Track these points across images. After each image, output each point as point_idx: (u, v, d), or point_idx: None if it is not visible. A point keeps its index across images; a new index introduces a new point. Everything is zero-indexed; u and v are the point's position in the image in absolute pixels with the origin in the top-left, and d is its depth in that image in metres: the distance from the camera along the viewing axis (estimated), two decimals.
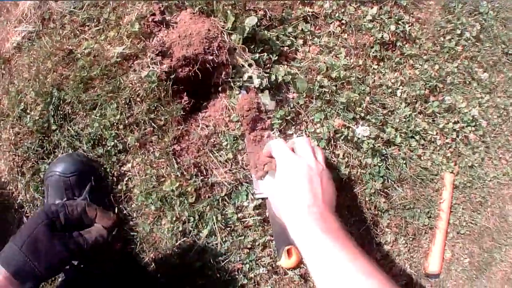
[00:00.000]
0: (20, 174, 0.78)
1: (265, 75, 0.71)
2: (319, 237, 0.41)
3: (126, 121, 0.74)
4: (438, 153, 0.91)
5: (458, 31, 0.92)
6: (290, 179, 0.51)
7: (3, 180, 0.80)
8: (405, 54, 0.85)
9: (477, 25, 0.95)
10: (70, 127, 0.76)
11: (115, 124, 0.74)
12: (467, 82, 0.94)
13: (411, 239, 0.91)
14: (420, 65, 0.86)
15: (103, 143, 0.75)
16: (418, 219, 0.90)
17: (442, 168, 0.92)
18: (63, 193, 0.69)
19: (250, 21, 0.70)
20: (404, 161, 0.85)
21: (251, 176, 0.74)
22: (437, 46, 0.90)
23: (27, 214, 0.79)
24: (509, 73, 1.01)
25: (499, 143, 1.00)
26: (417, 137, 0.86)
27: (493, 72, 0.98)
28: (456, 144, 0.93)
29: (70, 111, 0.76)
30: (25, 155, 0.77)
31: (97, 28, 0.78)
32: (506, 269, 1.05)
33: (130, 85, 0.74)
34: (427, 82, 0.86)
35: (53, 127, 0.76)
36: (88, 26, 0.78)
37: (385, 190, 0.84)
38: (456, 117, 0.92)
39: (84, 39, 0.78)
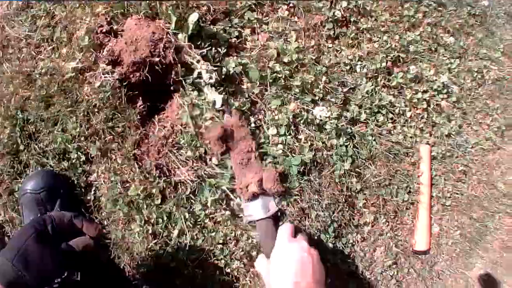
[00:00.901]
0: None
1: (214, 69, 0.70)
2: None
3: (87, 132, 0.75)
4: (410, 126, 0.88)
5: None
6: (283, 259, 0.58)
7: None
8: (361, 29, 0.82)
9: None
10: (36, 145, 0.78)
11: (76, 136, 0.75)
12: (433, 49, 0.90)
13: (392, 217, 0.88)
14: (378, 37, 0.84)
15: (68, 156, 0.76)
16: (397, 195, 0.87)
17: (417, 141, 0.89)
18: (37, 210, 0.71)
19: (193, 17, 0.69)
20: (373, 138, 0.83)
21: (240, 199, 0.74)
22: (395, 17, 0.87)
23: (8, 234, 0.81)
24: (478, 34, 0.96)
25: (477, 108, 0.96)
26: (384, 112, 0.83)
27: (461, 36, 0.94)
28: (428, 114, 0.89)
29: (34, 130, 0.78)
30: None
31: (51, 47, 0.79)
32: (502, 236, 1.01)
33: (86, 97, 0.75)
34: (388, 54, 0.83)
35: (21, 147, 0.78)
36: (43, 46, 0.80)
37: (356, 169, 0.82)
38: (424, 86, 0.88)
39: (40, 60, 0.79)
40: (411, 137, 0.88)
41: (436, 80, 0.89)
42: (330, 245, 0.82)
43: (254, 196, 0.72)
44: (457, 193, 0.95)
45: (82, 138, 0.75)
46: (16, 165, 0.79)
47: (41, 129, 0.78)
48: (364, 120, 0.81)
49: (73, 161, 0.76)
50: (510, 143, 0.99)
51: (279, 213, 0.75)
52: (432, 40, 0.90)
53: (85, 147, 0.75)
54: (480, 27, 0.98)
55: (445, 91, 0.90)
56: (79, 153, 0.75)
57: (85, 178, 0.76)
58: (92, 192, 0.75)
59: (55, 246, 0.57)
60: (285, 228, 0.63)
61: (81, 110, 0.76)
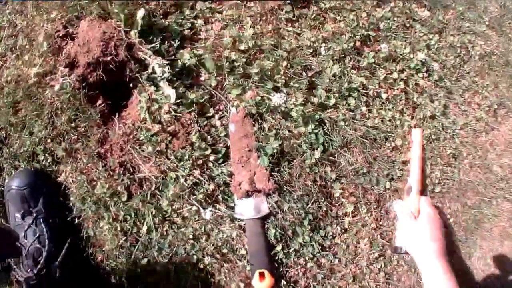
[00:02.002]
0: None
1: (166, 63, 0.72)
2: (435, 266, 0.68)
3: (51, 134, 0.78)
4: (388, 108, 0.85)
5: None
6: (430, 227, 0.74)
7: None
8: (323, 9, 0.81)
9: None
10: (8, 149, 0.82)
11: (43, 138, 0.79)
12: (407, 25, 0.87)
13: (375, 206, 0.86)
14: (344, 17, 0.82)
15: (37, 158, 0.80)
16: (378, 183, 0.84)
17: (397, 124, 0.86)
18: (20, 206, 0.76)
19: (140, 13, 0.71)
20: (346, 123, 0.81)
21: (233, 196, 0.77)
22: None
23: None
24: (459, 7, 0.92)
25: (464, 86, 0.91)
26: (355, 95, 0.81)
27: (439, 10, 0.90)
28: (407, 95, 0.86)
29: (5, 135, 0.83)
30: None
31: (15, 55, 0.84)
32: (502, 223, 0.95)
33: (49, 100, 0.79)
34: (356, 34, 0.81)
35: None
36: (7, 55, 0.85)
37: (330, 158, 0.80)
38: (400, 65, 0.85)
39: (6, 68, 0.84)
40: (389, 121, 0.85)
41: (413, 58, 0.85)
42: (307, 237, 0.81)
43: (248, 195, 0.75)
44: (447, 179, 0.91)
45: (49, 140, 0.79)
46: None
47: (11, 133, 0.82)
48: (334, 105, 0.79)
49: (42, 162, 0.79)
50: (504, 123, 0.94)
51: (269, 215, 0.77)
52: (406, 15, 0.86)
53: (51, 149, 0.79)
54: None
55: (424, 69, 0.86)
56: (46, 154, 0.79)
57: (55, 178, 0.80)
58: (62, 192, 0.79)
59: None
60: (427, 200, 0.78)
61: (45, 113, 0.80)
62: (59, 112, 0.78)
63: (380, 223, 0.87)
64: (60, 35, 0.78)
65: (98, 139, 0.76)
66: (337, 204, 0.84)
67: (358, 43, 0.82)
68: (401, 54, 0.85)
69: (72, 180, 0.78)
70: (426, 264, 0.69)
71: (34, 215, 0.75)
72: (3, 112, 0.82)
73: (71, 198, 0.79)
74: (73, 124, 0.77)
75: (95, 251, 0.78)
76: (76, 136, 0.77)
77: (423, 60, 0.86)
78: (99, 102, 0.77)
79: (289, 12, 0.78)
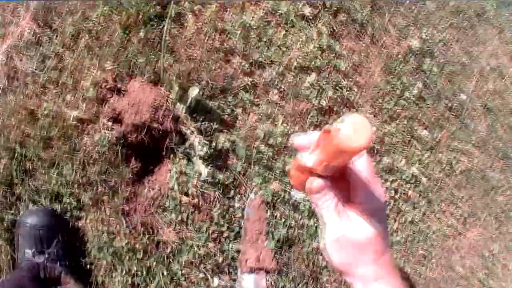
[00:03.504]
0: None
1: (206, 142, 0.86)
2: None
3: (81, 181, 0.88)
4: None
5: (398, 91, 1.06)
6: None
7: None
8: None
9: (419, 84, 1.09)
10: (31, 182, 0.90)
11: (70, 182, 0.89)
12: (407, 141, 1.08)
13: None
14: None
15: (60, 199, 0.89)
16: None
17: None
18: (33, 244, 0.81)
19: (193, 91, 0.84)
20: None
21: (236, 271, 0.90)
22: (375, 108, 1.04)
23: None
24: (452, 127, 1.15)
25: (442, 197, 1.14)
26: None
27: (435, 129, 1.13)
28: (395, 202, 1.06)
29: (31, 167, 0.90)
30: None
31: (56, 91, 0.92)
32: None
33: (84, 147, 0.88)
34: None
35: (15, 181, 0.89)
36: (48, 88, 0.93)
37: None
38: (394, 175, 1.06)
39: (45, 101, 0.92)
40: None
41: (406, 170, 1.07)
42: None
43: (250, 271, 0.89)
44: (414, 275, 1.12)
45: (76, 185, 0.89)
46: (9, 196, 0.90)
47: (37, 167, 0.89)
48: None
49: (64, 205, 0.87)
50: (471, 230, 1.18)
51: None
52: (407, 132, 1.08)
53: (77, 194, 0.89)
54: (455, 119, 1.16)
55: (413, 181, 1.08)
56: (71, 198, 0.87)
57: (74, 222, 0.89)
58: (79, 236, 0.88)
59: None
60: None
61: (78, 158, 0.89)
62: (92, 161, 0.88)
63: None
64: (108, 86, 0.88)
65: (125, 196, 0.87)
66: None
67: None
68: (397, 167, 1.05)
69: (91, 228, 0.88)
70: None
71: (46, 256, 0.80)
72: (33, 143, 0.90)
73: (88, 245, 0.89)
74: (103, 176, 0.88)
75: None
76: (104, 188, 0.88)
77: (414, 173, 1.07)
78: (133, 162, 0.88)
79: (314, 117, 0.95)
